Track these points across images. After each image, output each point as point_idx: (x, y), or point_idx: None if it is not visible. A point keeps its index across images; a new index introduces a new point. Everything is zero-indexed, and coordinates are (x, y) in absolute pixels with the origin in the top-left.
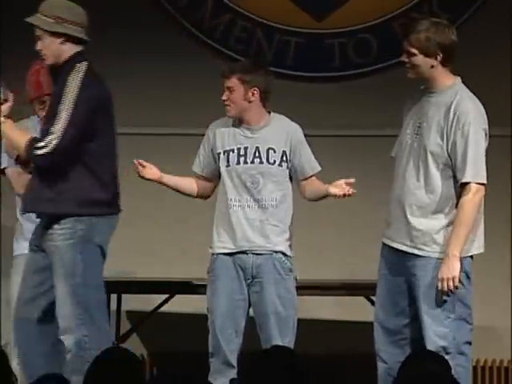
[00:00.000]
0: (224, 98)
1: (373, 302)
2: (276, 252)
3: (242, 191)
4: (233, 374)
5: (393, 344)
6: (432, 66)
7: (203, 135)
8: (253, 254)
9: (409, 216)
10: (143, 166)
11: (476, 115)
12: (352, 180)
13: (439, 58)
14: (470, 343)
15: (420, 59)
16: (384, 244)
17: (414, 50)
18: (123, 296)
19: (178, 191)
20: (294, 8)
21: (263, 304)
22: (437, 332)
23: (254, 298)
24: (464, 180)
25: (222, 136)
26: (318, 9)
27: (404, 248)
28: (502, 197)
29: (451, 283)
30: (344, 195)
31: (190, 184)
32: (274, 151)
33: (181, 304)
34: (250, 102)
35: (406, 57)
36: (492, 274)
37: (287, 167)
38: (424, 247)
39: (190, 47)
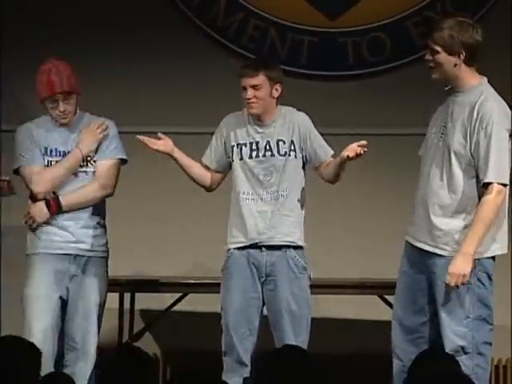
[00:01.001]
0: (249, 96)
1: (386, 301)
2: (288, 246)
3: (254, 184)
4: (246, 372)
5: (409, 342)
6: (455, 65)
7: None
8: (266, 249)
9: (431, 215)
10: (158, 139)
11: (500, 116)
12: (364, 142)
13: (462, 56)
14: (489, 344)
15: (443, 57)
16: (407, 242)
17: (438, 48)
18: (137, 295)
19: (186, 172)
20: (308, 7)
21: (277, 302)
22: (455, 331)
23: (267, 296)
24: (486, 180)
25: (235, 129)
26: (331, 8)
27: (426, 247)
28: None
29: (459, 280)
30: (356, 155)
31: (202, 171)
32: (284, 142)
33: (194, 303)
34: (274, 97)
35: (430, 55)
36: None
37: (295, 156)
38: (445, 247)
39: (204, 46)
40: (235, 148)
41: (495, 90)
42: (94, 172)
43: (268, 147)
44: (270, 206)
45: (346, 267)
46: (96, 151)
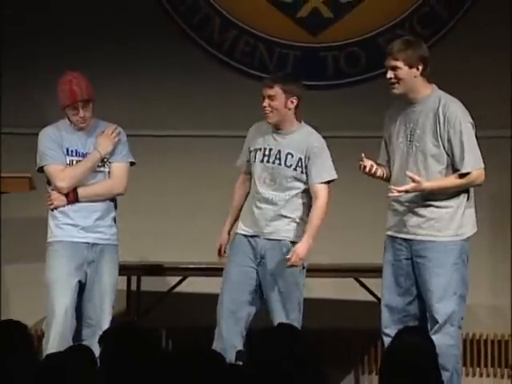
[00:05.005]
0: (265, 104)
1: (362, 284)
2: (284, 239)
3: (262, 185)
4: (221, 343)
5: (397, 321)
6: (415, 76)
7: (211, 136)
8: (265, 239)
9: (420, 210)
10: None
11: (462, 113)
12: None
13: (420, 68)
14: (462, 319)
15: (405, 71)
16: (391, 237)
17: (400, 63)
18: (142, 278)
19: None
20: (293, 25)
21: (267, 282)
22: (446, 305)
23: (261, 275)
24: (464, 171)
25: (256, 136)
26: (313, 26)
27: (418, 238)
28: (503, 197)
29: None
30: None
31: (242, 198)
32: (292, 156)
33: (193, 285)
34: (289, 109)
35: (392, 73)
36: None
37: (302, 172)
38: (437, 233)
39: (201, 59)
40: (252, 152)
41: (484, 88)
42: (108, 172)
43: (278, 156)
44: (271, 207)
45: (327, 254)
46: (111, 154)
